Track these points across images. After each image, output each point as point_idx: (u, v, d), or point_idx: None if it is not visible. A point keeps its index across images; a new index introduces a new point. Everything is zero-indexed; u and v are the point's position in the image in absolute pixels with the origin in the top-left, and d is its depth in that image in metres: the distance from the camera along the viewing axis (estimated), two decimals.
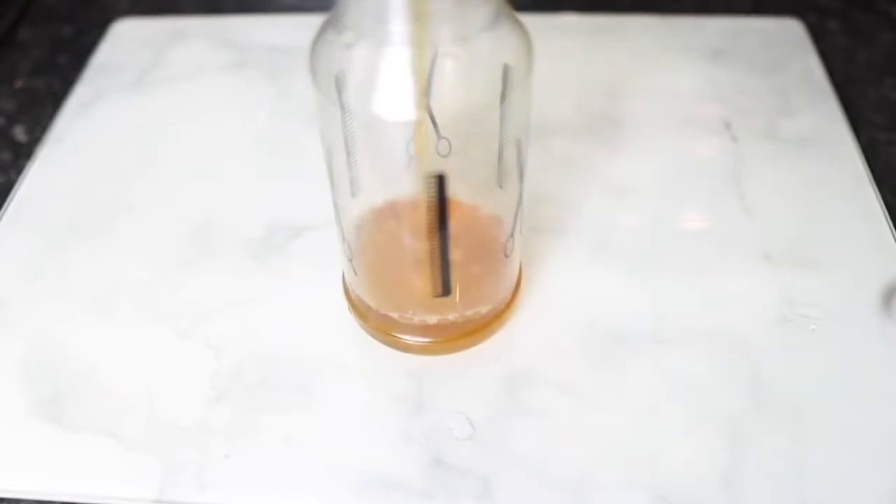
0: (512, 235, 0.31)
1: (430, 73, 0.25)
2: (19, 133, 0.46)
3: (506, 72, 0.26)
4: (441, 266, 0.29)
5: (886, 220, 0.38)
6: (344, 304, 0.34)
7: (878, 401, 0.32)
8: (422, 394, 0.32)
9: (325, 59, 0.26)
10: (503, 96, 0.26)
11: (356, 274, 0.32)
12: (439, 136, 0.27)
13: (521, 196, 0.31)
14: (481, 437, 0.31)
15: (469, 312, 0.32)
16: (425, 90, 0.25)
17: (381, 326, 0.33)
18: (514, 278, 0.34)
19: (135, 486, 0.30)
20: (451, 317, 0.31)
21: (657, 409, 0.31)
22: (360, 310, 0.33)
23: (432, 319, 0.31)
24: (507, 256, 0.32)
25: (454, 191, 0.28)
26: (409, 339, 0.33)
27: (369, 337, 0.34)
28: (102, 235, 0.39)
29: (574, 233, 0.38)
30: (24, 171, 0.42)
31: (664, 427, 0.31)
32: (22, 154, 0.44)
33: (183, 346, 0.34)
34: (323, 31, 0.26)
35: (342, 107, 0.26)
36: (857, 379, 0.32)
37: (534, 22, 0.28)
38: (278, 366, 0.33)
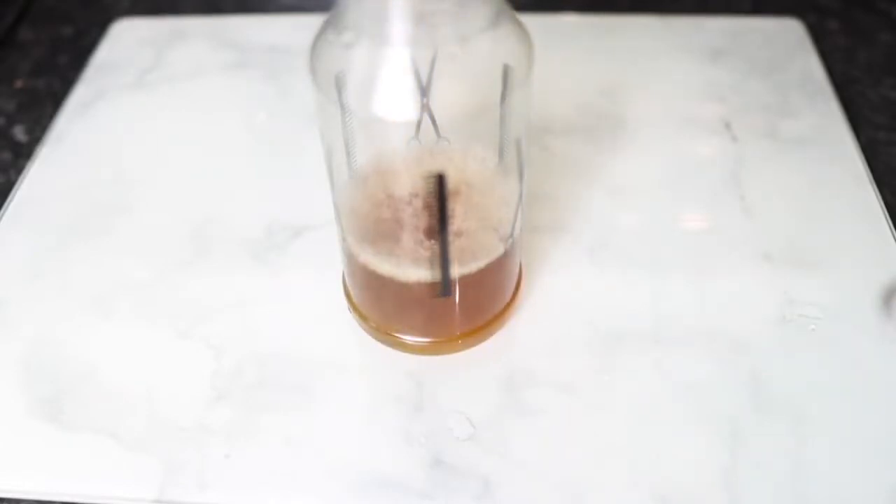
0: (512, 235, 0.31)
1: (430, 73, 0.25)
2: (19, 133, 0.46)
3: (506, 72, 0.26)
4: (441, 266, 0.29)
5: (886, 220, 0.38)
6: (344, 304, 0.34)
7: (878, 401, 0.32)
8: (422, 394, 0.32)
9: (325, 59, 0.26)
10: (503, 96, 0.26)
11: (355, 274, 0.32)
12: (439, 136, 0.27)
13: (521, 196, 0.31)
14: (481, 437, 0.31)
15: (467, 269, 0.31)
16: (424, 89, 0.25)
17: (381, 326, 0.33)
18: (514, 278, 0.34)
19: (135, 486, 0.30)
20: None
21: (657, 409, 0.31)
22: (360, 310, 0.33)
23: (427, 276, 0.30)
24: (507, 256, 0.31)
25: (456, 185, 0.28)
26: (409, 339, 0.33)
27: (369, 337, 0.34)
28: (102, 235, 0.39)
29: (574, 233, 0.38)
30: (24, 171, 0.42)
31: (664, 427, 0.31)
32: (22, 154, 0.44)
33: (183, 346, 0.34)
34: (323, 31, 0.26)
35: (342, 107, 0.26)
36: (857, 379, 0.32)
37: (534, 22, 0.28)
38: (278, 366, 0.33)
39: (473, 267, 0.30)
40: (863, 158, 0.41)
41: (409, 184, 0.29)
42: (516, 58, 0.26)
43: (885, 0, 0.53)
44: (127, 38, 0.51)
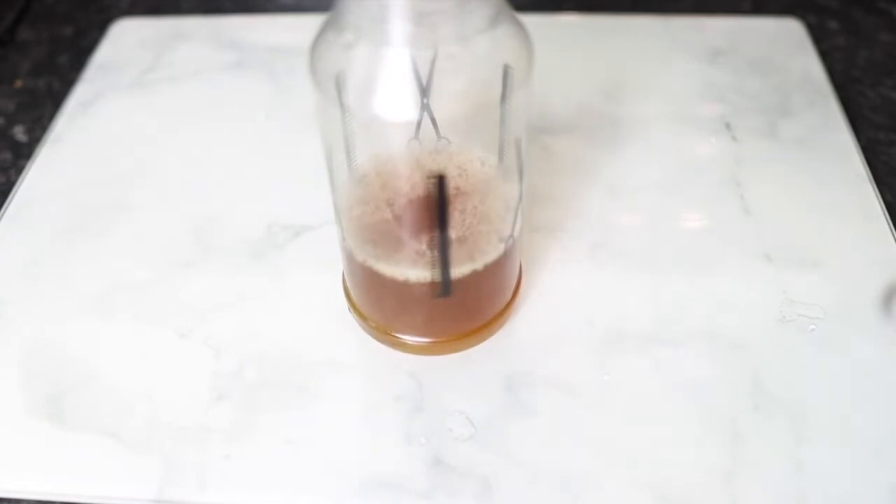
0: (512, 235, 0.31)
1: (430, 73, 0.25)
2: (19, 133, 0.46)
3: (506, 72, 0.26)
4: (441, 266, 0.29)
5: (886, 220, 0.38)
6: (344, 304, 0.34)
7: (878, 401, 0.32)
8: (422, 394, 0.32)
9: (325, 59, 0.26)
10: (503, 96, 0.26)
11: (355, 274, 0.32)
12: (439, 136, 0.27)
13: (521, 195, 0.31)
14: (481, 437, 0.31)
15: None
16: (424, 89, 0.25)
17: (381, 326, 0.33)
18: (514, 278, 0.34)
19: (135, 486, 0.30)
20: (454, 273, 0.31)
21: (657, 409, 0.31)
22: (360, 310, 0.33)
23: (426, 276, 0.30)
24: (507, 256, 0.31)
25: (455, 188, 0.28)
26: (409, 339, 0.33)
27: (369, 337, 0.34)
28: (102, 235, 0.39)
29: (574, 233, 0.38)
30: (24, 171, 0.42)
31: (664, 427, 0.31)
32: (22, 154, 0.44)
33: (183, 346, 0.34)
34: (323, 31, 0.26)
35: (342, 107, 0.26)
36: (857, 379, 0.32)
37: (534, 22, 0.28)
38: (278, 366, 0.33)
39: (473, 267, 0.30)
40: (863, 158, 0.41)
41: (409, 184, 0.29)
42: (516, 58, 0.26)
43: (885, 0, 0.53)
44: (127, 38, 0.51)
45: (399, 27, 0.24)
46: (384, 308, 0.32)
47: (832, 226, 0.38)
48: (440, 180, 0.27)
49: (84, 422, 0.31)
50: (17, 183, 0.42)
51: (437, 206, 0.27)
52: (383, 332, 0.33)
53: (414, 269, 0.30)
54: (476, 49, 0.25)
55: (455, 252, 0.30)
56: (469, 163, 0.30)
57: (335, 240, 0.33)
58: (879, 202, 0.39)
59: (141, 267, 0.37)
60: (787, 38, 0.49)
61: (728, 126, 0.43)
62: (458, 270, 0.30)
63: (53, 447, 0.31)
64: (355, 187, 0.30)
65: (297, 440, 0.31)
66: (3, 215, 0.40)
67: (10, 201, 0.41)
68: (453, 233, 0.29)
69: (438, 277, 0.30)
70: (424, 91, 0.25)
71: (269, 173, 0.42)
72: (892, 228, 0.38)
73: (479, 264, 0.30)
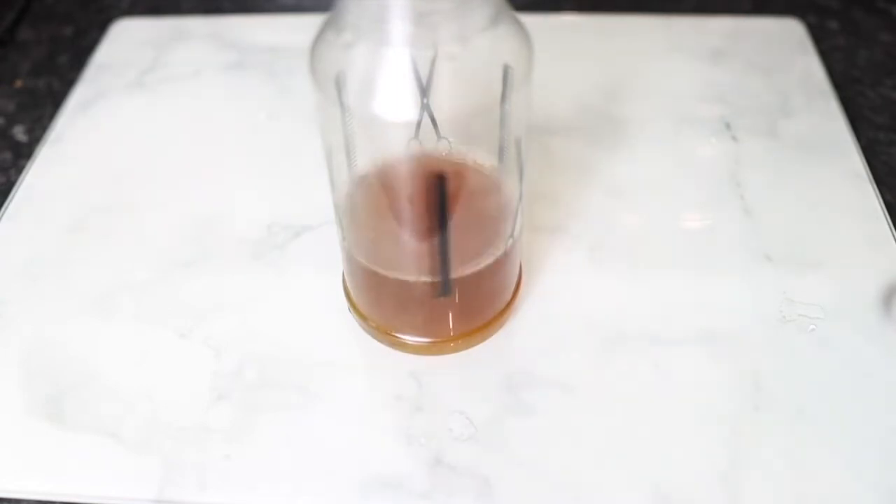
0: (512, 235, 0.31)
1: (430, 73, 0.25)
2: (19, 133, 0.46)
3: (506, 72, 0.26)
4: (441, 266, 0.29)
5: (886, 220, 0.38)
6: (344, 304, 0.34)
7: (878, 401, 0.32)
8: (422, 394, 0.32)
9: (325, 59, 0.26)
10: (503, 96, 0.26)
11: (355, 274, 0.32)
12: (439, 136, 0.27)
13: (521, 196, 0.31)
14: (481, 437, 0.31)
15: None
16: (424, 89, 0.25)
17: (381, 326, 0.33)
18: (514, 278, 0.34)
19: (135, 486, 0.30)
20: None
21: (657, 409, 0.31)
22: (360, 310, 0.33)
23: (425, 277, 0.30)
24: (507, 256, 0.31)
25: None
26: (409, 339, 0.33)
27: (369, 337, 0.34)
28: (102, 235, 0.39)
29: (574, 233, 0.38)
30: (24, 171, 0.42)
31: (664, 427, 0.31)
32: (22, 154, 0.44)
33: (183, 346, 0.34)
34: (323, 31, 0.26)
35: (342, 107, 0.26)
36: (857, 379, 0.32)
37: (534, 22, 0.28)
38: (278, 366, 0.33)
39: (473, 267, 0.30)
40: (863, 158, 0.41)
41: (409, 184, 0.29)
42: (516, 58, 0.26)
43: (885, 0, 0.53)
44: (127, 38, 0.51)
45: (399, 27, 0.24)
46: (384, 308, 0.32)
47: (832, 226, 0.38)
48: (440, 180, 0.27)
49: (84, 422, 0.31)
50: (17, 183, 0.42)
51: (437, 205, 0.27)
52: (383, 332, 0.33)
53: (414, 269, 0.30)
54: (476, 49, 0.25)
55: (455, 252, 0.30)
56: (469, 163, 0.30)
57: (335, 240, 0.33)
58: (879, 202, 0.39)
59: (141, 267, 0.37)
60: (787, 38, 0.49)
61: (728, 126, 0.43)
62: (457, 270, 0.30)
63: (53, 447, 0.31)
64: (355, 187, 0.30)
65: (297, 440, 0.31)
66: (3, 215, 0.40)
67: (10, 201, 0.41)
68: (453, 232, 0.29)
69: (438, 277, 0.30)
70: (424, 91, 0.25)
71: (269, 173, 0.42)
72: (892, 228, 0.38)
73: (479, 264, 0.30)
